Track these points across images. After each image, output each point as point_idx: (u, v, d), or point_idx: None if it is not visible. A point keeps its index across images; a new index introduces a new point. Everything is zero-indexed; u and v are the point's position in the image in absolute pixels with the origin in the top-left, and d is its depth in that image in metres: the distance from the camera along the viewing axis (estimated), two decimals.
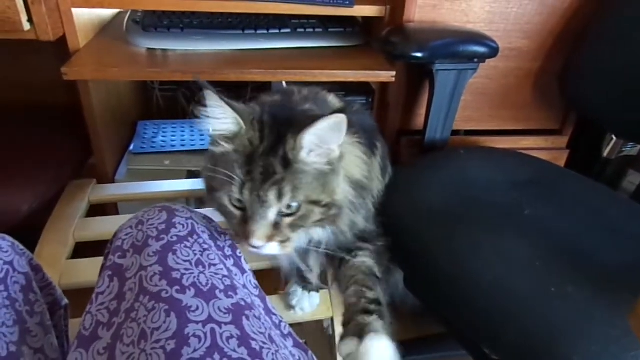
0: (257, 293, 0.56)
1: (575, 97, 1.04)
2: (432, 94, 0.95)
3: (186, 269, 0.48)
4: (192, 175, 1.18)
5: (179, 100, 1.48)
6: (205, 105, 0.55)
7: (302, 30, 1.07)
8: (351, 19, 1.12)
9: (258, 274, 0.91)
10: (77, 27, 0.93)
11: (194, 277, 0.48)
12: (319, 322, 0.93)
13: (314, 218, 0.58)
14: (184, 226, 0.54)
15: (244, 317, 0.46)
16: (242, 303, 0.48)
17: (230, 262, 0.55)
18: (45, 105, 1.13)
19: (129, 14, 1.11)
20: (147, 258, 0.49)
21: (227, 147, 0.57)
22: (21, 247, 0.57)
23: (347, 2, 1.00)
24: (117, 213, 1.13)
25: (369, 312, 0.60)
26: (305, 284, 0.84)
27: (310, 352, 0.53)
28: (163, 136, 1.27)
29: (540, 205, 0.81)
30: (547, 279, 0.64)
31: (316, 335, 0.95)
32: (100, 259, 0.57)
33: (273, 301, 0.87)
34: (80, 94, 0.98)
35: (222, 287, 0.49)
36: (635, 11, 0.92)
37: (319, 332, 0.95)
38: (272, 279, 0.91)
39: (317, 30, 1.08)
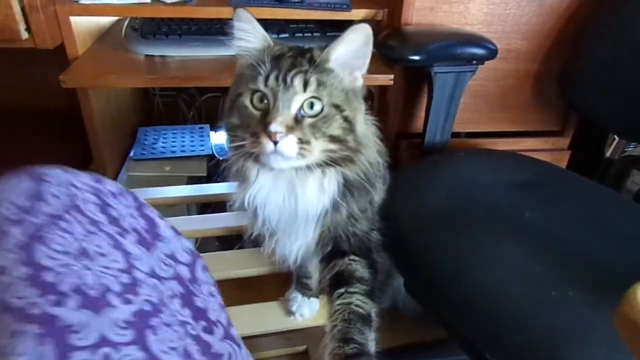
0: (175, 268, 0.43)
1: (575, 98, 1.03)
2: (431, 96, 0.95)
3: (64, 266, 0.35)
4: (192, 181, 1.18)
5: (179, 106, 1.48)
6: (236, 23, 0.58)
7: (301, 34, 1.07)
8: (349, 23, 1.11)
9: (259, 279, 0.92)
10: (75, 35, 0.93)
11: (77, 276, 0.35)
12: (320, 328, 0.92)
13: (335, 126, 0.57)
14: (57, 197, 0.39)
15: (148, 331, 0.36)
16: (147, 307, 0.37)
17: (131, 239, 0.42)
18: (45, 112, 1.13)
19: (127, 21, 1.12)
20: (6, 255, 0.35)
21: (256, 54, 0.58)
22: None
23: (345, 6, 1.00)
24: None
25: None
26: (305, 290, 0.84)
27: (243, 349, 0.46)
28: (163, 142, 1.27)
29: (541, 207, 0.80)
30: (548, 283, 0.64)
31: (318, 341, 0.94)
32: None
33: (273, 308, 0.88)
34: (79, 101, 0.98)
35: (117, 288, 0.37)
36: (634, 10, 0.91)
37: (320, 338, 0.94)
38: (273, 285, 0.91)
39: (315, 34, 1.08)
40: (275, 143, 0.53)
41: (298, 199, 0.62)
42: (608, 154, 1.23)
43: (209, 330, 0.40)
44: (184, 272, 0.42)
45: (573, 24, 1.02)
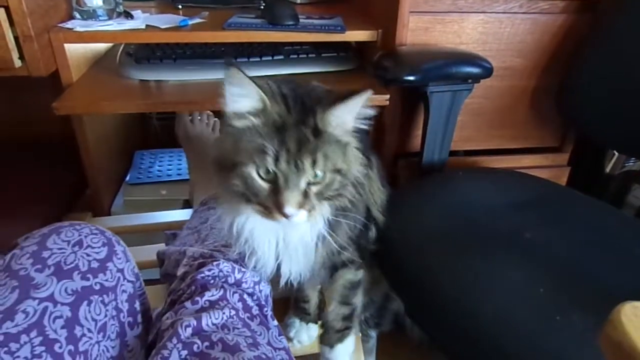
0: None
1: (572, 115, 1.02)
2: (428, 115, 0.94)
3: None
4: (188, 204, 1.17)
5: None
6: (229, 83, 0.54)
7: (295, 56, 1.07)
8: (344, 43, 1.12)
9: None
10: (70, 62, 0.93)
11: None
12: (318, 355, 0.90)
13: (335, 187, 0.58)
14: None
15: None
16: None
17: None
18: (41, 138, 1.13)
19: (122, 46, 1.12)
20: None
21: (254, 120, 0.55)
22: (129, 253, 0.57)
23: (339, 28, 1.00)
24: None
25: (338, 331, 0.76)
26: (303, 315, 0.82)
27: None
28: (159, 166, 1.27)
29: (542, 227, 0.79)
30: (551, 307, 0.62)
31: None
32: None
33: None
34: (74, 127, 0.98)
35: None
36: (626, 26, 0.91)
37: None
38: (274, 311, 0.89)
39: (310, 55, 1.08)
40: (288, 217, 0.55)
41: (288, 228, 0.62)
42: (608, 169, 1.22)
43: None
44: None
45: (568, 41, 1.02)
